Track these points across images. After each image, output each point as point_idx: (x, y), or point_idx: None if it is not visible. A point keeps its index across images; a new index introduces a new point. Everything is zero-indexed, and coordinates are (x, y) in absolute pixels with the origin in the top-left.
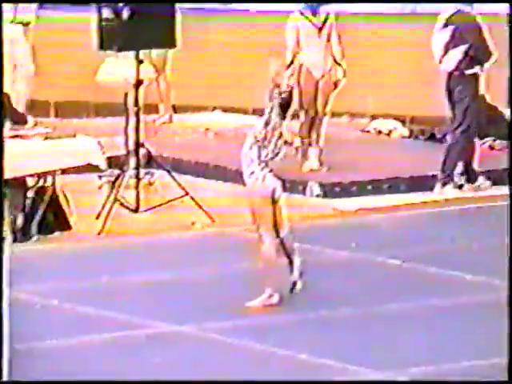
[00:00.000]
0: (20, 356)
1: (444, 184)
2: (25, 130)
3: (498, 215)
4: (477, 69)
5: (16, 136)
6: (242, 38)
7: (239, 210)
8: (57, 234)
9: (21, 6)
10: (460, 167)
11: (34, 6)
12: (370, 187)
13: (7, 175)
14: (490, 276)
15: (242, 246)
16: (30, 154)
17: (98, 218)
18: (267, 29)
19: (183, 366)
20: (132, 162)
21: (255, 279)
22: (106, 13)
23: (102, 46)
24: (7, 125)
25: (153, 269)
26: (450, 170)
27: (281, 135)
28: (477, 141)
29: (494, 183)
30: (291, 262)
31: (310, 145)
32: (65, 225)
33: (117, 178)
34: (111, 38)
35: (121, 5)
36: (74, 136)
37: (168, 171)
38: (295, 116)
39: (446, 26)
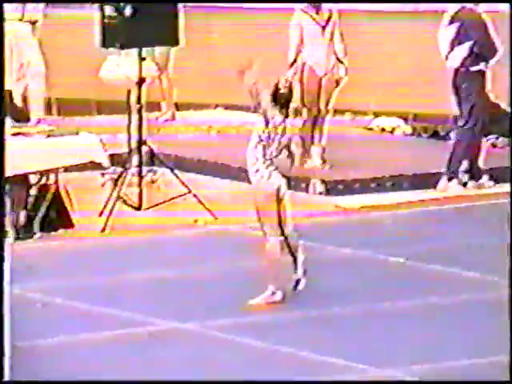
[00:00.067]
0: (22, 354)
1: (450, 179)
2: (27, 128)
3: (500, 213)
4: (482, 65)
5: (18, 133)
6: (245, 36)
7: (242, 207)
8: (59, 231)
9: (29, 4)
10: (465, 165)
11: (42, 4)
12: (372, 185)
13: (10, 173)
14: (492, 274)
15: (245, 244)
16: (32, 151)
17: (100, 215)
18: (270, 26)
19: (186, 364)
20: (135, 159)
21: (258, 277)
22: (109, 10)
23: (105, 43)
24: (10, 122)
25: (155, 266)
26: (456, 167)
27: (284, 132)
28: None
29: (497, 181)
30: (295, 260)
31: (312, 143)
32: (67, 222)
33: (119, 176)
34: (114, 36)
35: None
36: (77, 133)
37: (171, 169)
38: (298, 114)
39: (451, 22)
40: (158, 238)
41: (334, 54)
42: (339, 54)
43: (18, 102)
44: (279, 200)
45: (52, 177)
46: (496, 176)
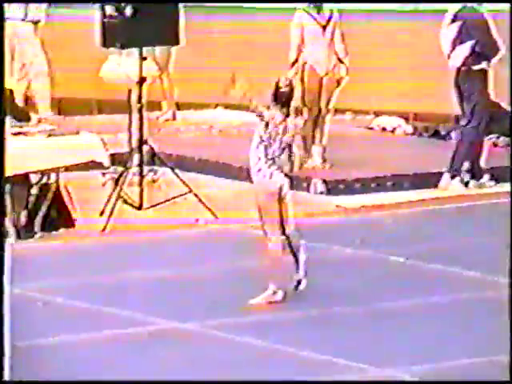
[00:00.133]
0: (22, 353)
1: (453, 177)
2: (28, 127)
3: (501, 212)
4: (484, 64)
5: (19, 133)
6: (245, 35)
7: (243, 207)
8: (60, 230)
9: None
10: (467, 164)
11: (44, 4)
12: (373, 184)
13: (11, 172)
14: (493, 274)
15: (246, 243)
16: (33, 151)
17: (101, 214)
18: (271, 26)
19: (186, 363)
20: (135, 159)
21: (259, 276)
22: (109, 10)
23: (105, 43)
24: (11, 122)
25: (156, 266)
26: (458, 166)
27: (285, 131)
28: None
29: (497, 180)
30: (297, 260)
31: (313, 142)
32: (68, 222)
33: (120, 175)
34: (114, 35)
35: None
36: (78, 133)
37: (171, 168)
38: (298, 113)
39: (453, 21)
40: (159, 238)
41: (335, 53)
42: (340, 53)
43: (19, 101)
44: (281, 199)
45: (53, 176)
46: (497, 175)
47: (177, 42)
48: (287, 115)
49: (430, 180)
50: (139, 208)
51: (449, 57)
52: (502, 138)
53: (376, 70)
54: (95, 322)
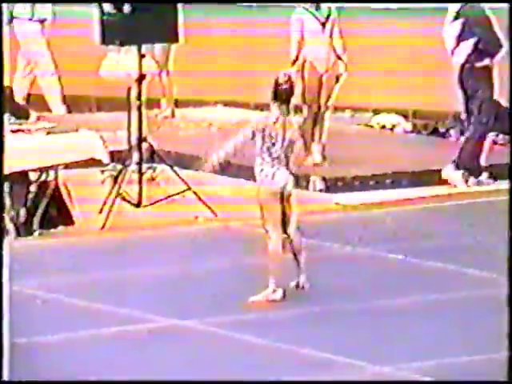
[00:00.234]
0: (21, 351)
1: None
2: (27, 125)
3: (500, 210)
4: (487, 61)
5: (18, 130)
6: (245, 33)
7: (242, 204)
8: (59, 228)
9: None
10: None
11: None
12: (372, 182)
13: (9, 170)
14: (491, 271)
15: (245, 241)
16: (32, 148)
17: (100, 212)
18: (270, 23)
19: (185, 361)
20: (135, 156)
21: (259, 274)
22: (108, 7)
23: (104, 40)
24: (10, 119)
25: (155, 263)
26: (466, 163)
27: (285, 127)
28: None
29: (496, 178)
30: (297, 260)
31: (312, 140)
32: (67, 219)
33: (119, 173)
34: (113, 33)
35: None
36: (77, 130)
37: (170, 166)
38: (298, 111)
39: (456, 18)
40: (158, 235)
41: (334, 50)
42: (338, 50)
43: (19, 99)
44: (284, 199)
45: (52, 173)
46: (496, 173)
47: (176, 40)
48: (287, 113)
49: (429, 177)
50: (138, 205)
51: (452, 53)
52: (501, 136)
53: (375, 67)
54: (94, 320)
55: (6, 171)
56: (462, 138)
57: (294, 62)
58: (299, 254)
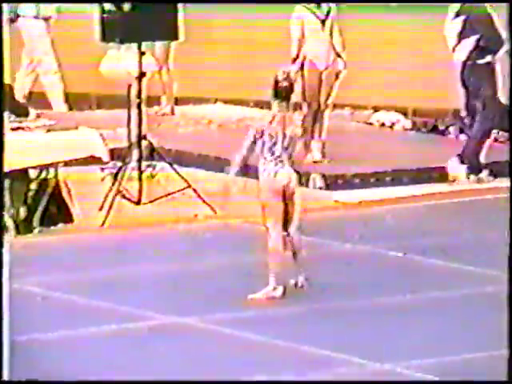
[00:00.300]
0: (21, 348)
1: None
2: (27, 122)
3: (500, 207)
4: (489, 58)
5: (18, 128)
6: (245, 30)
7: (242, 202)
8: (59, 225)
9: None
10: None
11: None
12: (372, 179)
13: (10, 167)
14: (492, 268)
15: (245, 238)
16: (32, 146)
17: (100, 210)
18: (269, 21)
19: (185, 358)
20: (134, 154)
21: (258, 271)
22: (108, 5)
23: (104, 38)
24: (10, 117)
25: (155, 261)
26: (470, 158)
27: (284, 124)
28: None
29: (496, 175)
30: (297, 258)
31: (312, 137)
32: (67, 217)
33: (119, 170)
34: (113, 30)
35: None
36: (77, 128)
37: (170, 163)
38: (298, 108)
39: (457, 15)
40: (158, 233)
41: (333, 47)
42: (338, 47)
43: (19, 96)
44: (287, 197)
45: (52, 171)
46: (496, 171)
47: (176, 37)
48: (288, 110)
49: (428, 175)
50: (138, 203)
51: (454, 50)
52: (501, 133)
53: (375, 65)
54: (94, 317)
55: (6, 169)
56: (462, 136)
57: (295, 59)
58: (299, 252)
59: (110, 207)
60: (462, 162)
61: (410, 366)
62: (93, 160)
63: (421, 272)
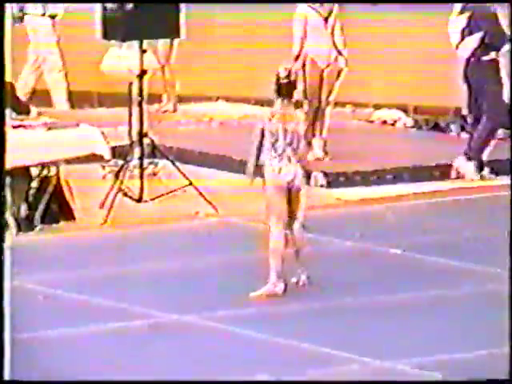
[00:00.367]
0: (22, 346)
1: (469, 159)
2: (28, 120)
3: (501, 205)
4: (493, 55)
5: (20, 126)
6: (246, 28)
7: (243, 199)
8: (60, 223)
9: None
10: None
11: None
12: (373, 177)
13: (11, 165)
14: (493, 266)
15: (246, 236)
16: (33, 143)
17: (101, 207)
18: (272, 19)
19: (186, 356)
20: (136, 151)
21: (259, 269)
22: (110, 3)
23: (106, 35)
24: (11, 115)
25: (156, 258)
26: (477, 153)
27: (284, 120)
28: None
29: (497, 173)
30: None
31: (313, 135)
32: (68, 215)
33: (121, 168)
34: (115, 28)
35: None
36: (78, 126)
37: (171, 161)
38: (299, 106)
39: (461, 12)
40: (159, 230)
41: (334, 45)
42: (339, 45)
43: (23, 94)
44: (292, 194)
45: (53, 169)
46: (497, 168)
47: (177, 35)
48: (289, 106)
49: (430, 172)
50: (139, 201)
51: (457, 47)
52: (501, 131)
53: (376, 62)
54: (95, 315)
55: (8, 166)
56: (463, 134)
57: (297, 58)
58: (301, 250)
59: (112, 205)
60: (469, 160)
61: (411, 363)
62: (94, 158)
63: (422, 270)
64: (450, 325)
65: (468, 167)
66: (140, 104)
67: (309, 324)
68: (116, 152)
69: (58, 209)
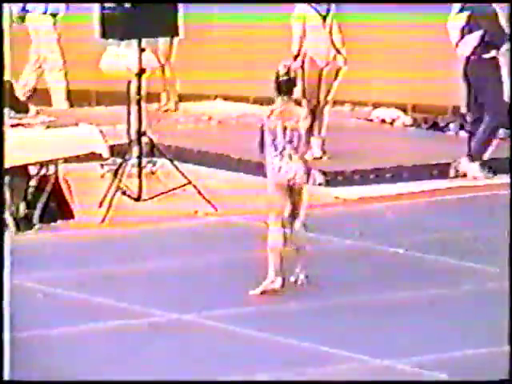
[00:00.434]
0: (22, 344)
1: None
2: (27, 119)
3: (500, 204)
4: (493, 53)
5: (18, 124)
6: (245, 27)
7: (242, 198)
8: (59, 222)
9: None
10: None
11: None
12: (372, 176)
13: (9, 164)
14: (493, 265)
15: (245, 235)
16: (32, 142)
17: (100, 206)
18: (271, 18)
19: (185, 355)
20: (134, 150)
21: (258, 267)
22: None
23: (105, 34)
24: (10, 113)
25: (155, 257)
26: (481, 152)
27: (284, 120)
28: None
29: (496, 172)
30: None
31: (312, 134)
32: (67, 213)
33: (119, 167)
34: (113, 27)
35: None
36: (77, 124)
37: (170, 160)
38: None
39: (461, 10)
40: (158, 229)
41: (333, 44)
42: (337, 44)
43: (20, 93)
44: (293, 192)
45: (52, 168)
46: (496, 167)
47: (176, 34)
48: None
49: (428, 171)
50: (138, 199)
51: (457, 46)
52: (501, 131)
53: (375, 61)
54: (95, 314)
55: (6, 165)
56: (462, 132)
57: (296, 57)
58: (302, 249)
59: (110, 204)
60: (473, 160)
61: (411, 362)
62: (93, 156)
63: (421, 269)
64: (449, 324)
65: (473, 168)
66: (138, 103)
67: (308, 323)
68: (114, 151)
69: (56, 207)
